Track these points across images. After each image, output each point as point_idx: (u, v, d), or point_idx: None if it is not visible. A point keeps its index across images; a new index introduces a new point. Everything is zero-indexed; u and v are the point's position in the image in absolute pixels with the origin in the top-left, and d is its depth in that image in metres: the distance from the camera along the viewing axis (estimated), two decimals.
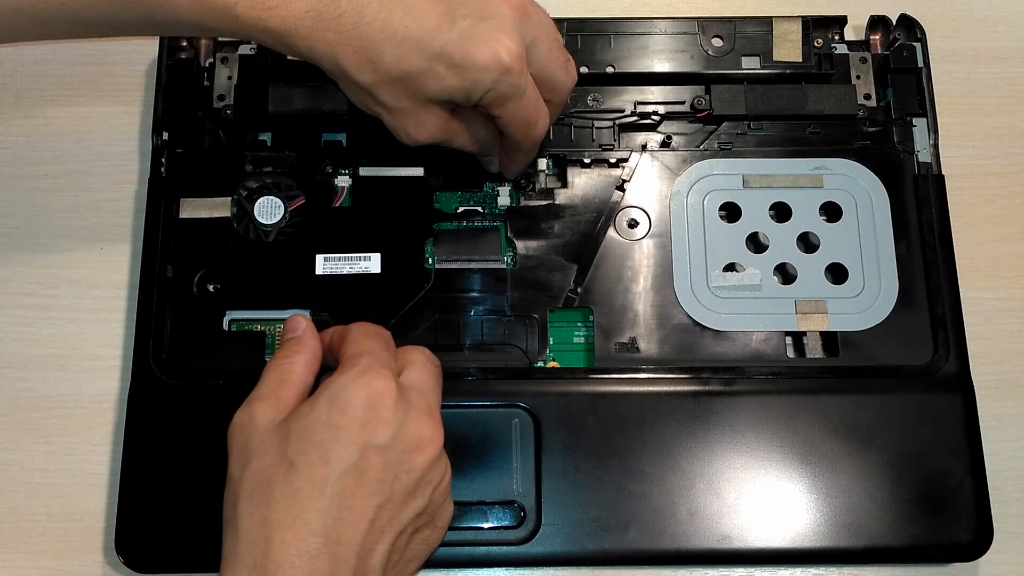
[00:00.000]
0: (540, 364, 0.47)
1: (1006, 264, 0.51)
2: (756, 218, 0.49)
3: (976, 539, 0.44)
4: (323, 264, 0.47)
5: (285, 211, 0.48)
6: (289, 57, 0.41)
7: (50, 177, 0.51)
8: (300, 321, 0.40)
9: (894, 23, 0.52)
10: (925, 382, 0.46)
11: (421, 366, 0.39)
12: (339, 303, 0.47)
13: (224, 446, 0.37)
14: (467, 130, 0.43)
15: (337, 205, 0.49)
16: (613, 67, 0.51)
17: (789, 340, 0.47)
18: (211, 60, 0.51)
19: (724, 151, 0.50)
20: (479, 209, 0.49)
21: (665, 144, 0.50)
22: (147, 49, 0.53)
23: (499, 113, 0.41)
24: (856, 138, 0.50)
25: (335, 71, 0.40)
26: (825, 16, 0.52)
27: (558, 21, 0.51)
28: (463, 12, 0.39)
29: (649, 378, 0.46)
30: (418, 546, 0.38)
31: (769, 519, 0.44)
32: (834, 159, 0.50)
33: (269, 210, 0.48)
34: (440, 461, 0.37)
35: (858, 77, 0.51)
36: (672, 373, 0.46)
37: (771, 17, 0.51)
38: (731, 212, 0.49)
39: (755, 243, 0.49)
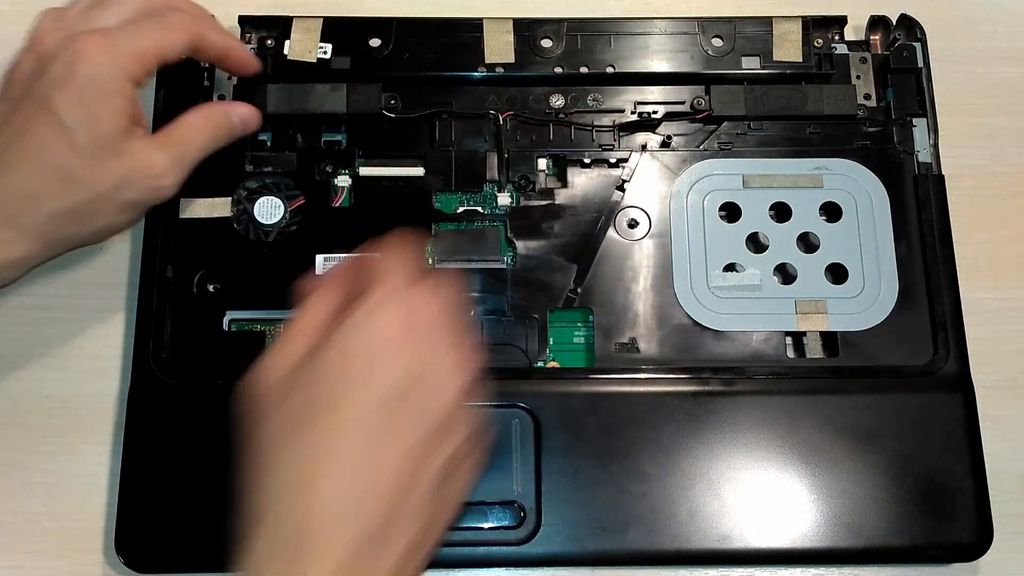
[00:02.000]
0: (540, 364, 0.47)
1: (1006, 264, 0.51)
2: (756, 218, 0.49)
3: (976, 539, 0.44)
4: (323, 264, 0.47)
5: (285, 211, 0.48)
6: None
7: None
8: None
9: (894, 23, 0.52)
10: (925, 382, 0.46)
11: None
12: None
13: (228, 444, 0.36)
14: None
15: (337, 205, 0.49)
16: (613, 67, 0.51)
17: (789, 340, 0.47)
18: None
19: (724, 151, 0.50)
20: (479, 209, 0.49)
21: (665, 144, 0.50)
22: None
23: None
24: (856, 138, 0.50)
25: None
26: (825, 16, 0.52)
27: (558, 21, 0.51)
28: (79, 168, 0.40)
29: (649, 378, 0.46)
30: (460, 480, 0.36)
31: (769, 519, 0.44)
32: (834, 159, 0.50)
33: (269, 210, 0.48)
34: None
35: (858, 77, 0.51)
36: (672, 373, 0.46)
37: (771, 17, 0.51)
38: (731, 212, 0.49)
39: (755, 243, 0.49)
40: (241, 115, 0.45)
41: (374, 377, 0.33)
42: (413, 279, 0.36)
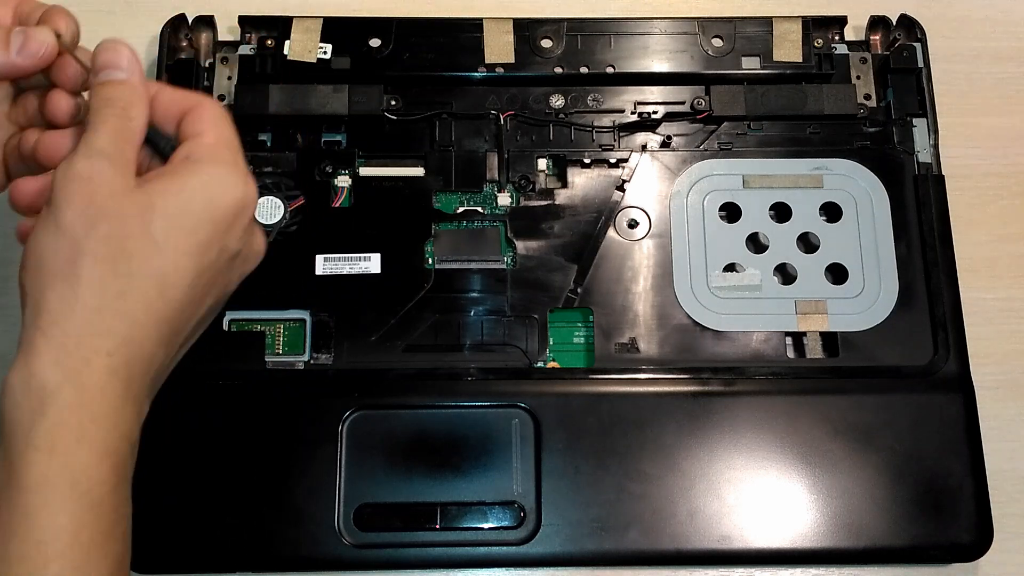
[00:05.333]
0: (540, 364, 0.47)
1: (1006, 264, 0.51)
2: (756, 218, 0.49)
3: (976, 539, 0.44)
4: (323, 264, 0.47)
5: (285, 211, 0.48)
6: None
7: None
8: (123, 52, 0.33)
9: (894, 23, 0.52)
10: (925, 382, 0.46)
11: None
12: (339, 303, 0.47)
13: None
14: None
15: (337, 205, 0.49)
16: (613, 67, 0.51)
17: (789, 340, 0.47)
18: (211, 60, 0.51)
19: (724, 151, 0.50)
20: (479, 209, 0.49)
21: (665, 144, 0.50)
22: (147, 49, 0.53)
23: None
24: (856, 138, 0.50)
25: None
26: (825, 16, 0.52)
27: (558, 21, 0.51)
28: None
29: (649, 378, 0.46)
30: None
31: (769, 519, 0.44)
32: (834, 159, 0.50)
33: (269, 210, 0.48)
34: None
35: (858, 77, 0.51)
36: (672, 373, 0.46)
37: (771, 17, 0.51)
38: (731, 212, 0.49)
39: (755, 243, 0.49)
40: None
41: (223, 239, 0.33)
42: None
